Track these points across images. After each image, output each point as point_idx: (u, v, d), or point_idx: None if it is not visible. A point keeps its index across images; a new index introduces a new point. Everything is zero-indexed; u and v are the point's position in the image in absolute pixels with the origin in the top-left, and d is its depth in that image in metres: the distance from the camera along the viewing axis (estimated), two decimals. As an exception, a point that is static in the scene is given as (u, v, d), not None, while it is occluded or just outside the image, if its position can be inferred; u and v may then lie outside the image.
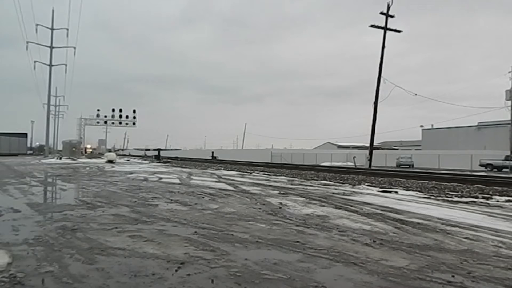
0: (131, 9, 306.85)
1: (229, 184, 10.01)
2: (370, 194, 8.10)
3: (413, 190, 9.18)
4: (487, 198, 7.62)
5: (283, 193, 7.92)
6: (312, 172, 18.22)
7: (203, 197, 7.08)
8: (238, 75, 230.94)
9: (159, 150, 47.07)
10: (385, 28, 24.85)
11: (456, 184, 11.20)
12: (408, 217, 5.10)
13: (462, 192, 8.92)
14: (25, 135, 66.11)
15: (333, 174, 16.36)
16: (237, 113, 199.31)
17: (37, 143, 74.47)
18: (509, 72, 35.51)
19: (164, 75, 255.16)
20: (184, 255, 3.08)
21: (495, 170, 30.16)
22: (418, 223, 4.65)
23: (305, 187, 9.65)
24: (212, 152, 54.76)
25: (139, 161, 34.19)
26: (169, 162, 31.71)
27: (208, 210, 5.52)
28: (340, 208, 5.85)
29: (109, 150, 60.80)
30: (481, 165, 31.64)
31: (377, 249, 3.37)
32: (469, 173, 20.91)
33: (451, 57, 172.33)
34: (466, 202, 6.96)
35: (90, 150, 52.74)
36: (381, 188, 9.64)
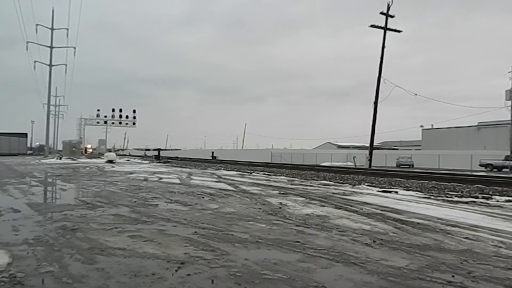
0: (133, 10, 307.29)
1: (229, 184, 10.01)
2: (370, 194, 8.10)
3: (413, 190, 9.17)
4: (487, 198, 7.62)
5: (283, 193, 7.92)
6: (312, 172, 18.22)
7: (203, 197, 7.08)
8: (238, 76, 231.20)
9: (159, 150, 47.07)
10: (385, 28, 24.85)
11: (456, 184, 11.19)
12: (408, 217, 5.10)
13: (462, 192, 8.92)
14: (25, 135, 66.12)
15: (333, 174, 16.35)
16: (237, 113, 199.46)
17: (37, 143, 74.52)
18: (509, 72, 35.52)
19: (165, 75, 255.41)
20: (184, 255, 3.08)
21: (495, 170, 30.15)
22: (418, 223, 4.65)
23: (305, 187, 9.65)
24: (212, 152, 54.74)
25: (139, 161, 34.19)
26: (169, 162, 31.71)
27: (208, 210, 5.52)
28: (340, 208, 5.85)
29: (109, 150, 60.75)
30: (481, 165, 31.63)
31: (377, 249, 3.37)
32: (469, 173, 20.91)
33: (451, 57, 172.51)
34: (466, 202, 6.96)
35: (90, 150, 52.68)
36: (381, 188, 9.64)
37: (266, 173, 16.53)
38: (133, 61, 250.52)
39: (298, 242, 3.59)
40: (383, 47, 24.88)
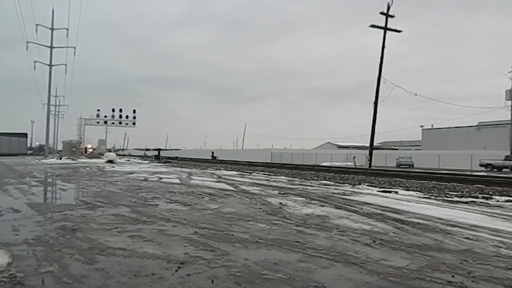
0: (133, 10, 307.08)
1: (229, 184, 10.01)
2: (370, 194, 8.10)
3: (413, 190, 9.17)
4: (487, 198, 7.62)
5: (283, 193, 7.92)
6: (312, 172, 18.22)
7: (203, 197, 7.08)
8: (238, 76, 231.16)
9: (159, 150, 47.07)
10: (385, 28, 24.86)
11: (456, 184, 11.19)
12: (408, 217, 5.10)
13: (462, 192, 8.92)
14: (25, 135, 66.10)
15: (333, 174, 16.35)
16: (237, 113, 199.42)
17: (37, 143, 74.50)
18: (509, 72, 35.51)
19: (165, 75, 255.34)
20: (184, 255, 3.08)
21: (495, 170, 30.15)
22: (418, 223, 4.65)
23: (305, 187, 9.65)
24: (212, 152, 54.74)
25: (139, 161, 34.19)
26: (169, 162, 31.71)
27: (208, 210, 5.52)
28: (340, 208, 5.85)
29: (109, 150, 60.71)
30: (481, 165, 31.63)
31: (377, 249, 3.37)
32: (469, 173, 20.91)
33: (451, 57, 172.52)
34: (466, 202, 6.96)
35: (90, 150, 52.67)
36: (381, 188, 9.64)
37: (266, 173, 16.54)
38: (133, 61, 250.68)
39: (298, 242, 3.59)
40: (383, 47, 24.89)
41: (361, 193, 8.35)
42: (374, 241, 3.66)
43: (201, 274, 2.63)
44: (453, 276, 2.65)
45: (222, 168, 20.60)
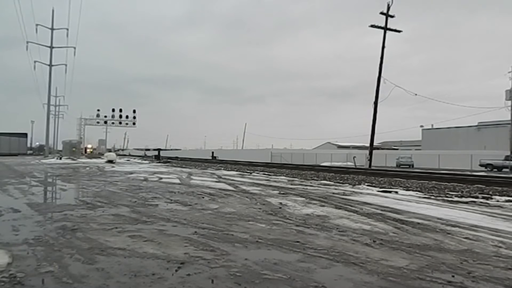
0: (133, 10, 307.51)
1: (229, 184, 10.01)
2: (370, 194, 8.10)
3: (413, 190, 9.17)
4: (487, 198, 7.62)
5: (283, 193, 7.92)
6: (312, 172, 18.22)
7: (203, 197, 7.08)
8: (239, 76, 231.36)
9: (159, 150, 47.06)
10: (385, 28, 24.86)
11: (456, 184, 11.19)
12: (408, 217, 5.10)
13: (462, 192, 8.92)
14: (25, 135, 66.08)
15: (333, 174, 16.35)
16: (237, 113, 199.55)
17: (37, 143, 74.49)
18: (509, 72, 35.53)
19: (165, 75, 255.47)
20: (184, 255, 3.08)
21: (495, 170, 30.15)
22: (418, 223, 4.65)
23: (305, 187, 9.65)
24: (212, 152, 54.74)
25: (139, 161, 34.19)
26: (169, 162, 31.71)
27: (208, 210, 5.52)
28: (340, 208, 5.85)
29: (109, 150, 60.75)
30: (481, 165, 31.63)
31: (377, 249, 3.37)
32: (469, 173, 20.91)
33: (451, 57, 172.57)
34: (466, 202, 6.96)
35: (90, 150, 52.69)
36: (381, 188, 9.64)
37: (266, 173, 16.53)
38: (133, 61, 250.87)
39: (298, 242, 3.59)
40: (383, 47, 24.89)
41: (361, 193, 8.35)
42: (374, 241, 3.66)
43: (201, 274, 2.63)
44: (453, 276, 2.65)
45: (222, 168, 20.60)
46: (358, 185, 10.56)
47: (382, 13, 24.70)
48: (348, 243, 3.58)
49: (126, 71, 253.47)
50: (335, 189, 9.21)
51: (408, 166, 37.47)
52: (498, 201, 7.26)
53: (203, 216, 4.96)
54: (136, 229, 4.11)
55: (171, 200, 6.64)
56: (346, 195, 7.84)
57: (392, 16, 24.80)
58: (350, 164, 33.37)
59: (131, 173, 14.92)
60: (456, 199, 7.50)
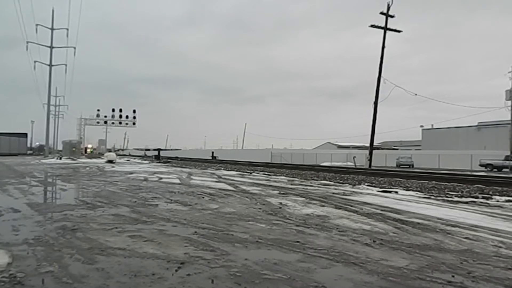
0: (133, 10, 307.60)
1: (229, 184, 10.01)
2: (370, 194, 8.10)
3: (413, 190, 9.17)
4: (487, 198, 7.62)
5: (283, 193, 7.92)
6: (312, 172, 18.22)
7: (203, 197, 7.08)
8: (238, 76, 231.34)
9: (159, 150, 47.06)
10: (385, 28, 24.86)
11: (456, 184, 11.19)
12: (408, 217, 5.10)
13: (462, 192, 8.92)
14: (25, 135, 66.08)
15: (333, 174, 16.35)
16: (237, 113, 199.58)
17: (37, 143, 74.50)
18: (509, 72, 35.57)
19: (165, 75, 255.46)
20: (184, 255, 3.08)
21: (495, 170, 30.15)
22: (418, 223, 4.65)
23: (305, 187, 9.65)
24: (212, 152, 54.74)
25: (139, 161, 34.19)
26: (169, 162, 31.71)
27: (208, 210, 5.52)
28: (340, 208, 5.85)
29: (109, 150, 60.79)
30: (481, 165, 31.63)
31: (377, 249, 3.37)
32: (469, 173, 20.91)
33: (451, 57, 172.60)
34: (466, 202, 6.96)
35: (90, 150, 52.70)
36: (381, 188, 9.64)
37: (266, 173, 16.53)
38: (133, 61, 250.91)
39: (298, 242, 3.59)
40: (383, 47, 24.89)
41: (361, 193, 8.35)
42: (374, 241, 3.66)
43: (201, 274, 2.63)
44: (453, 276, 2.65)
45: (222, 168, 20.60)
46: (358, 185, 10.56)
47: (382, 13, 24.70)
48: (348, 243, 3.58)
49: (126, 71, 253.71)
50: (335, 189, 9.21)
51: (408, 166, 37.47)
52: (498, 201, 7.26)
53: (203, 216, 4.96)
54: (136, 229, 4.11)
55: (171, 200, 6.64)
56: (346, 195, 7.84)
57: (392, 16, 24.81)
58: (350, 164, 33.37)
59: (131, 173, 14.92)
60: (456, 199, 7.50)
